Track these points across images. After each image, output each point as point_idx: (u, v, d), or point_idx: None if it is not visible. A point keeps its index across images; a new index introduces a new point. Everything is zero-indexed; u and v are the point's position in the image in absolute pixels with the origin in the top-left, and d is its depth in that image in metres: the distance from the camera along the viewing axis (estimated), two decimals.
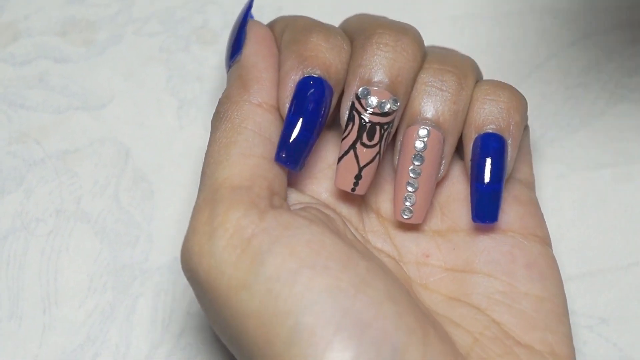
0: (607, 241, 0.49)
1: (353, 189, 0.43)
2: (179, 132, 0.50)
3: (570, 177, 0.50)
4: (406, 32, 0.43)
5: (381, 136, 0.42)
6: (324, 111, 0.42)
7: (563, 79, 0.52)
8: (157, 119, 0.51)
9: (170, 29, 0.52)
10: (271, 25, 0.45)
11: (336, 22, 0.47)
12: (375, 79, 0.42)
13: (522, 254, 0.43)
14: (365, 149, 0.42)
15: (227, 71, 0.44)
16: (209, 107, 0.51)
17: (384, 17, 0.46)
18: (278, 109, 0.42)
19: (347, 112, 0.42)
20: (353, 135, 0.42)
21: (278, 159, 0.41)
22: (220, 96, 0.43)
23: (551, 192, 0.50)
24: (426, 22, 0.50)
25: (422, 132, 0.42)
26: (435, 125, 0.42)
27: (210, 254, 0.39)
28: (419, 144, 0.42)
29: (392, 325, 0.37)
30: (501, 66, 0.52)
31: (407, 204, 0.43)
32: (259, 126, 0.42)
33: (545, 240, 0.44)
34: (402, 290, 0.39)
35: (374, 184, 0.44)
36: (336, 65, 0.42)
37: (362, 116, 0.42)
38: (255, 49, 0.43)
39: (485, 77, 0.47)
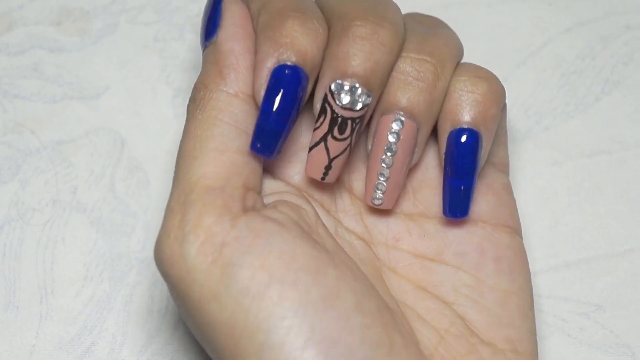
0: (602, 228, 0.49)
1: (323, 178, 0.43)
2: (174, 121, 0.50)
3: (565, 164, 0.50)
4: (384, 23, 0.42)
5: (352, 129, 0.42)
6: (299, 100, 0.41)
7: (558, 65, 0.52)
8: (152, 108, 0.50)
9: (164, 18, 0.52)
10: (248, 1, 0.44)
11: None
12: (350, 72, 0.41)
13: (491, 247, 0.43)
14: (336, 142, 0.42)
15: (203, 51, 0.44)
16: None
17: None
18: (254, 96, 0.42)
19: (320, 104, 0.42)
20: (324, 127, 0.42)
21: (253, 147, 0.41)
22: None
23: (546, 179, 0.50)
24: (420, 9, 0.50)
25: (396, 126, 0.42)
26: (409, 115, 0.42)
27: (182, 260, 0.39)
28: (391, 138, 0.42)
29: (358, 340, 0.38)
30: (496, 53, 0.52)
31: (379, 192, 0.43)
32: (235, 118, 0.41)
33: (516, 230, 0.44)
34: (371, 294, 0.40)
35: (347, 163, 0.44)
36: (312, 51, 0.41)
37: (334, 110, 0.41)
38: (231, 31, 0.42)
39: (479, 64, 0.47)
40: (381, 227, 0.44)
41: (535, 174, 0.50)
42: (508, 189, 0.45)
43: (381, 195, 0.43)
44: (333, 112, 0.41)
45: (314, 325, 0.38)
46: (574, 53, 0.52)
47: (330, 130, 0.42)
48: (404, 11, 0.46)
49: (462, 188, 0.42)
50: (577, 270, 0.48)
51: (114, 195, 0.49)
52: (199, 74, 0.51)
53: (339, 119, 0.41)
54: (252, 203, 0.41)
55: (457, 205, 0.43)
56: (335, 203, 0.45)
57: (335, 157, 0.42)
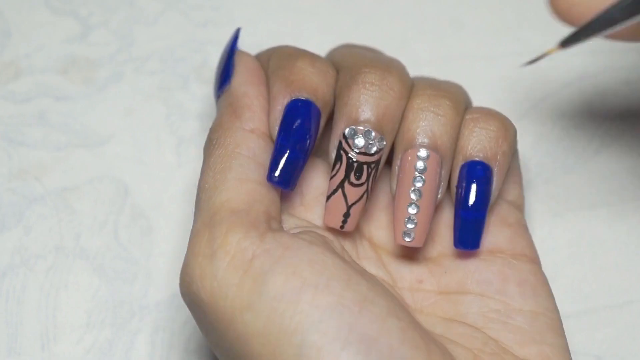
0: (602, 279, 0.49)
1: (342, 227, 0.43)
2: (177, 170, 0.51)
3: (565, 216, 0.50)
4: (392, 70, 0.43)
5: (369, 175, 0.42)
6: (313, 131, 0.42)
7: (558, 119, 0.52)
8: (156, 156, 0.51)
9: (169, 67, 0.52)
10: (257, 56, 0.46)
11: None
12: (362, 118, 0.42)
13: (513, 272, 0.43)
14: (353, 188, 0.42)
15: (216, 101, 0.45)
16: None
17: (369, 51, 0.46)
18: (269, 134, 0.43)
19: (335, 151, 0.43)
20: (341, 174, 0.42)
21: (270, 179, 0.42)
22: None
23: (547, 231, 0.50)
24: (422, 62, 0.51)
25: (422, 153, 0.42)
26: (433, 148, 0.43)
27: (213, 276, 0.39)
28: (420, 165, 0.42)
29: (397, 340, 0.38)
30: (496, 106, 0.52)
31: (410, 226, 0.43)
32: (253, 152, 0.42)
33: (534, 260, 0.44)
34: (403, 307, 0.40)
35: (366, 212, 0.45)
36: (322, 87, 0.43)
37: (349, 155, 0.42)
38: (244, 78, 0.44)
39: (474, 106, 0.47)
40: (403, 272, 0.44)
41: (535, 226, 0.50)
42: (523, 225, 0.45)
43: (412, 228, 0.43)
44: (348, 157, 0.42)
45: (351, 326, 0.37)
46: (573, 107, 0.52)
47: (346, 176, 0.42)
48: (406, 65, 0.46)
49: (473, 220, 0.43)
50: (577, 321, 0.48)
51: (117, 243, 0.49)
52: (202, 122, 0.51)
53: (355, 164, 0.42)
54: (276, 227, 0.41)
55: (468, 237, 0.43)
56: (357, 251, 0.45)
57: (353, 204, 0.43)
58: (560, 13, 0.38)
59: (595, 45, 0.54)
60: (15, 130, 0.51)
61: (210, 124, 0.51)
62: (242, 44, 0.47)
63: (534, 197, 0.51)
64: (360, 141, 0.42)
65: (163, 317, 0.48)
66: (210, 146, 0.43)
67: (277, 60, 0.44)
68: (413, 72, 0.46)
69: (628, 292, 0.49)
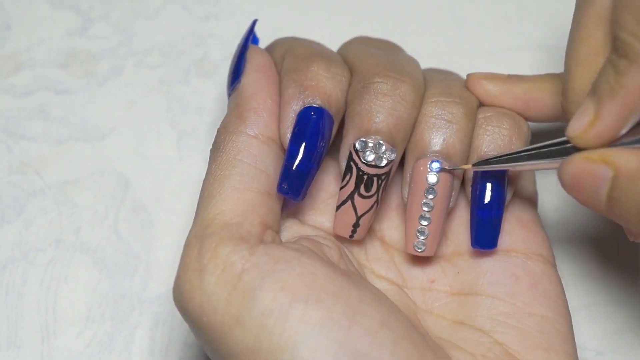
0: (603, 274, 0.49)
1: (351, 236, 0.43)
2: (178, 163, 0.51)
3: (566, 211, 0.50)
4: (405, 78, 0.43)
5: (379, 186, 0.42)
6: (325, 141, 0.42)
7: None
8: (156, 150, 0.51)
9: (170, 61, 0.52)
10: (271, 49, 0.45)
11: (335, 46, 0.47)
12: (373, 129, 0.42)
13: (525, 274, 0.43)
14: (363, 200, 0.42)
15: (228, 97, 0.44)
16: (208, 138, 0.51)
17: (386, 48, 0.46)
18: (278, 139, 0.42)
19: (345, 162, 0.42)
20: (351, 186, 0.42)
21: (280, 189, 0.41)
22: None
23: (550, 225, 0.50)
24: (422, 57, 0.51)
25: (435, 165, 0.42)
26: (445, 157, 0.42)
27: (202, 291, 0.39)
28: (432, 178, 0.42)
29: (388, 354, 0.37)
30: None
31: (421, 237, 0.43)
32: (255, 159, 0.42)
33: (548, 259, 0.44)
34: (399, 316, 0.39)
35: (378, 211, 0.45)
36: (336, 94, 0.42)
37: (359, 167, 0.42)
38: (254, 77, 0.43)
39: None
40: (416, 272, 0.44)
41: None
42: (538, 222, 0.45)
43: (424, 240, 0.43)
44: (359, 170, 0.42)
45: (341, 341, 0.37)
46: None
47: (356, 188, 0.42)
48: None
49: (490, 219, 0.43)
50: (578, 316, 0.48)
51: (117, 236, 0.49)
52: (202, 116, 0.51)
53: (365, 177, 0.42)
54: (270, 239, 0.41)
55: (485, 236, 0.43)
56: (366, 251, 0.45)
57: (362, 215, 0.42)
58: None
59: None
60: (15, 123, 0.51)
61: (210, 118, 0.51)
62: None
63: (537, 191, 0.51)
64: (370, 155, 0.42)
65: (163, 311, 0.48)
66: (214, 150, 0.43)
67: (292, 62, 0.43)
68: None
69: (628, 287, 0.49)
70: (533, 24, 0.54)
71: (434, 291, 0.44)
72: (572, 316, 0.48)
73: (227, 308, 0.38)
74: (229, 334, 0.38)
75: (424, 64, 0.49)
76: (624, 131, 0.38)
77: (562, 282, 0.49)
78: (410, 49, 0.49)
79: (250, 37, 0.45)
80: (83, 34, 0.53)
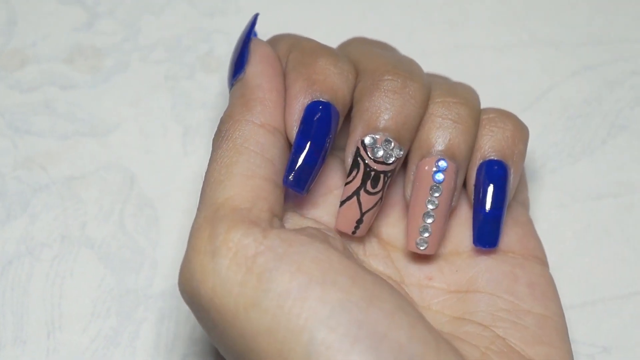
0: (608, 270, 0.49)
1: (354, 232, 0.43)
2: (183, 159, 0.51)
3: (572, 207, 0.50)
4: (414, 77, 0.43)
5: (384, 183, 0.42)
6: (332, 135, 0.42)
7: (564, 109, 0.52)
8: (162, 145, 0.51)
9: (175, 56, 0.52)
10: (274, 43, 0.45)
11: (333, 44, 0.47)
12: (382, 126, 0.42)
13: (523, 273, 0.43)
14: (368, 196, 0.42)
15: (230, 89, 0.44)
16: (213, 134, 0.51)
17: (385, 49, 0.46)
18: (284, 131, 0.42)
19: (352, 157, 0.42)
20: (357, 182, 0.42)
21: (286, 182, 0.41)
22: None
23: (552, 222, 0.50)
24: (430, 52, 0.51)
25: (442, 163, 0.42)
26: (450, 156, 0.42)
27: (215, 274, 0.39)
28: (438, 176, 0.42)
29: (406, 336, 0.38)
30: (503, 96, 0.52)
31: (425, 235, 0.43)
32: (261, 147, 0.42)
33: (543, 261, 0.44)
34: (410, 303, 0.39)
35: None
36: (343, 89, 0.42)
37: (367, 163, 0.42)
38: (259, 68, 0.43)
39: (488, 107, 0.47)
40: (413, 269, 0.44)
41: (541, 217, 0.50)
42: (531, 224, 0.45)
43: (427, 237, 0.43)
44: (366, 166, 0.42)
45: (360, 322, 0.37)
46: (580, 97, 0.52)
47: (363, 184, 0.42)
48: (413, 55, 0.46)
49: (493, 218, 0.43)
50: (583, 312, 0.48)
51: (122, 232, 0.49)
52: (208, 111, 0.51)
53: (372, 173, 0.42)
54: (278, 226, 0.41)
55: (487, 235, 0.43)
56: (364, 248, 0.45)
57: (367, 211, 0.42)
58: None
59: (602, 34, 0.54)
60: (21, 118, 0.51)
61: (216, 114, 0.51)
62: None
63: (540, 188, 0.51)
64: (379, 151, 0.42)
65: (168, 307, 0.48)
66: (219, 138, 0.42)
67: (299, 56, 0.43)
68: (420, 62, 0.46)
69: (634, 283, 0.49)
70: (539, 20, 0.54)
71: (431, 288, 0.44)
72: (577, 313, 0.48)
73: (242, 290, 0.38)
74: (243, 316, 0.38)
75: (430, 60, 0.49)
76: None
77: (568, 278, 0.49)
78: (416, 45, 0.49)
79: (252, 31, 0.45)
80: (89, 30, 0.53)
